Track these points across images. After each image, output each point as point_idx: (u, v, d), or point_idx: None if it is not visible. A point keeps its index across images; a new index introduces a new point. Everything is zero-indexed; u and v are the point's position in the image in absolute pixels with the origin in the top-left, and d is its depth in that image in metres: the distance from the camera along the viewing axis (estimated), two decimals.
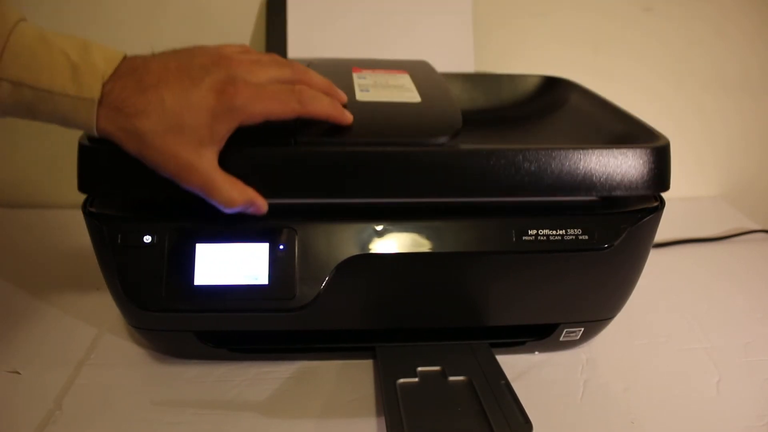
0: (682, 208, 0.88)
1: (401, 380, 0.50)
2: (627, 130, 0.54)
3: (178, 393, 0.52)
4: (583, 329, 0.56)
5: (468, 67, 0.79)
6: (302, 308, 0.46)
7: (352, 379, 0.54)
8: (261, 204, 0.45)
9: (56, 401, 0.50)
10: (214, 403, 0.51)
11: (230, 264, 0.47)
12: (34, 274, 0.69)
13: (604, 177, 0.47)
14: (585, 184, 0.47)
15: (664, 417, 0.51)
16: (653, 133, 0.51)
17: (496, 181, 0.47)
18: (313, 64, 0.64)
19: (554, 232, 0.48)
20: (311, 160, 0.45)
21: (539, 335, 0.56)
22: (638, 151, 0.48)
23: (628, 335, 0.60)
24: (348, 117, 0.47)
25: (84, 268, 0.67)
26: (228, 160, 0.44)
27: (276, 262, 0.47)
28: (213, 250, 0.47)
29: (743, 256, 0.78)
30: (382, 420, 0.48)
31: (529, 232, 0.48)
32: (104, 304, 0.61)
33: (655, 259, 0.56)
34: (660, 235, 0.54)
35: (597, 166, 0.47)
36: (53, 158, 0.85)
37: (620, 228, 0.49)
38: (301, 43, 0.77)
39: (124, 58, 0.42)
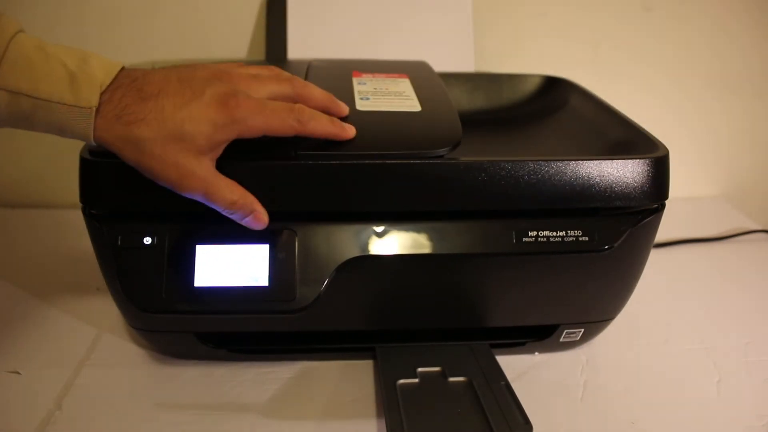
0: (682, 208, 0.88)
1: (401, 381, 0.50)
2: (626, 138, 0.54)
3: (178, 393, 0.52)
4: (583, 330, 0.56)
5: (468, 66, 0.79)
6: (302, 310, 0.46)
7: (352, 379, 0.54)
8: (260, 212, 0.44)
9: (56, 401, 0.50)
10: (214, 404, 0.51)
11: (230, 265, 0.47)
12: (35, 274, 0.69)
13: (604, 188, 0.48)
14: (584, 195, 0.48)
15: (664, 417, 0.51)
16: (653, 141, 0.51)
17: (496, 193, 0.47)
18: (313, 65, 0.64)
19: (554, 234, 0.48)
20: (312, 174, 0.46)
21: (539, 336, 0.56)
22: (638, 162, 0.48)
23: (628, 336, 0.61)
24: (349, 132, 0.47)
25: (84, 269, 0.67)
26: (229, 173, 0.44)
27: (276, 264, 0.47)
28: (213, 252, 0.47)
29: (743, 256, 0.78)
30: (382, 420, 0.48)
31: (530, 233, 0.48)
32: (104, 305, 0.61)
33: (655, 259, 0.56)
34: (660, 235, 0.54)
35: (596, 178, 0.47)
36: (53, 158, 0.85)
37: (620, 229, 0.49)
38: (301, 43, 0.77)
39: (122, 69, 0.42)
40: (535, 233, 0.48)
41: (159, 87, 0.41)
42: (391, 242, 0.48)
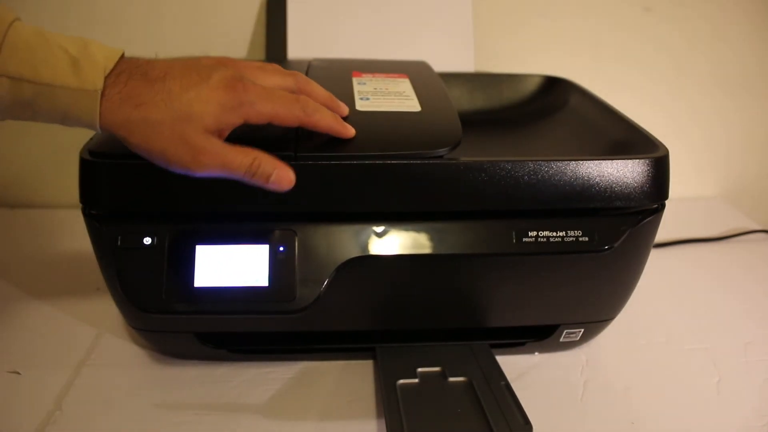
0: (682, 208, 0.88)
1: (401, 381, 0.50)
2: (626, 138, 0.54)
3: (178, 394, 0.52)
4: (583, 330, 0.56)
5: (468, 67, 0.79)
6: (302, 310, 0.46)
7: (352, 379, 0.54)
8: (282, 167, 0.43)
9: (56, 401, 0.50)
10: (213, 404, 0.51)
11: (230, 266, 0.47)
12: (35, 274, 0.69)
13: (604, 188, 0.48)
14: (584, 195, 0.48)
15: (664, 417, 0.51)
16: (652, 142, 0.51)
17: (496, 193, 0.47)
18: (313, 64, 0.64)
19: (554, 234, 0.48)
20: (312, 174, 0.45)
21: (539, 336, 0.56)
22: (638, 162, 0.48)
23: (628, 336, 0.61)
24: (349, 131, 0.47)
25: (84, 269, 0.67)
26: None
27: (276, 264, 0.47)
28: (213, 252, 0.47)
29: (743, 256, 0.78)
30: (382, 421, 0.48)
31: (530, 233, 0.48)
32: (104, 305, 0.61)
33: (655, 260, 0.56)
34: (660, 236, 0.54)
35: (596, 178, 0.48)
36: (53, 158, 0.85)
37: (620, 230, 0.49)
38: (301, 43, 0.77)
39: (123, 55, 0.42)
40: (535, 233, 0.48)
41: (164, 71, 0.41)
42: (391, 242, 0.48)
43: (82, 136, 0.49)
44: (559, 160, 0.47)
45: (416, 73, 0.62)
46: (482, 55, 0.84)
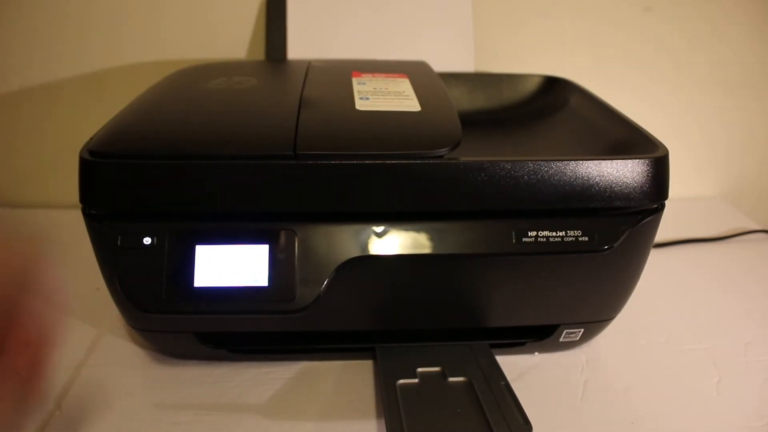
0: (682, 208, 0.88)
1: (401, 381, 0.50)
2: (626, 138, 0.54)
3: (178, 394, 0.52)
4: (583, 330, 0.56)
5: (468, 67, 0.79)
6: (302, 310, 0.46)
7: (351, 379, 0.54)
8: None
9: (56, 401, 0.50)
10: (213, 404, 0.51)
11: (230, 266, 0.47)
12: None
13: (604, 188, 0.48)
14: (584, 195, 0.48)
15: (664, 417, 0.51)
16: (652, 141, 0.51)
17: (495, 193, 0.47)
18: (313, 65, 0.64)
19: (554, 234, 0.48)
20: (312, 173, 0.45)
21: (539, 336, 0.56)
22: (638, 162, 0.48)
23: (628, 336, 0.60)
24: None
25: (84, 269, 0.67)
26: (228, 174, 0.44)
27: (276, 264, 0.47)
28: (213, 252, 0.47)
29: (743, 256, 0.78)
30: (382, 421, 0.48)
31: (529, 233, 0.48)
32: (104, 305, 0.60)
33: (655, 260, 0.56)
34: (660, 236, 0.54)
35: (596, 178, 0.47)
36: (53, 158, 0.85)
37: (620, 229, 0.49)
38: (301, 43, 0.77)
39: None
40: (534, 233, 0.48)
41: None
42: (391, 242, 0.48)
43: (82, 136, 0.50)
44: (559, 160, 0.47)
45: (416, 73, 0.62)
46: (482, 55, 0.84)
